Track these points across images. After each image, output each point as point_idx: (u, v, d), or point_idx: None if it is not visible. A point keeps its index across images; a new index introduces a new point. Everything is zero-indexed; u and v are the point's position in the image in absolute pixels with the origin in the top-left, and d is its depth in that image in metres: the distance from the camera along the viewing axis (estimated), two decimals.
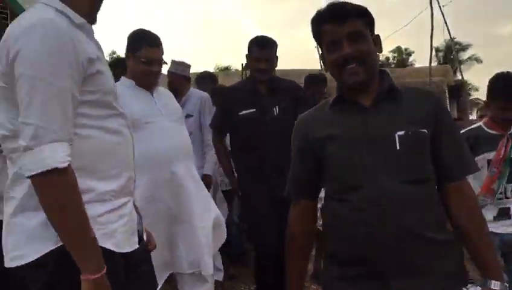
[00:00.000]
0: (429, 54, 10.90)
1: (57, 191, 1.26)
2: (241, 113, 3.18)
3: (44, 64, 1.26)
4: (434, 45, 10.08)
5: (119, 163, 1.45)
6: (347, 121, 1.54)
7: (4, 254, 1.39)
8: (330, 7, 1.54)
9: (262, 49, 3.17)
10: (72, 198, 1.28)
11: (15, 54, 1.28)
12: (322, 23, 1.54)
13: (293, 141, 1.69)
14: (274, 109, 3.17)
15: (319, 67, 15.93)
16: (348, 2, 1.55)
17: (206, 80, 5.13)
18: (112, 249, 1.39)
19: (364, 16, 1.55)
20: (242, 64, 9.25)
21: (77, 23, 1.40)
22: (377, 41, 1.57)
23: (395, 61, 34.40)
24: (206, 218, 2.68)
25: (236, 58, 78.45)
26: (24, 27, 1.30)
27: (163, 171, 2.56)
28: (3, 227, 1.41)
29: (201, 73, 5.44)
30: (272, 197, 3.03)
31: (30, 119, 1.25)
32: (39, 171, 1.24)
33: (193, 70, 4.75)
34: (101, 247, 1.35)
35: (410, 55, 34.08)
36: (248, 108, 3.18)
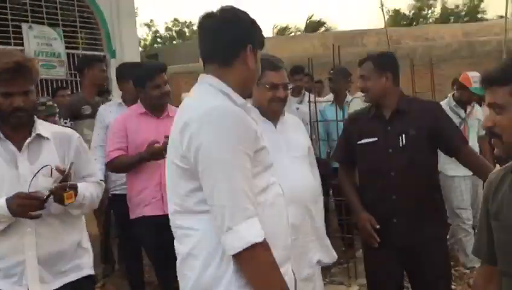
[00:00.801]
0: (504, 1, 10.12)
1: (260, 263, 1.40)
2: (360, 142, 2.73)
3: (228, 150, 1.40)
4: None
5: (278, 235, 1.51)
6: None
7: None
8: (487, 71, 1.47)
9: (359, 65, 2.82)
10: (273, 265, 1.42)
11: (199, 143, 1.42)
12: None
13: (483, 198, 1.63)
14: (400, 138, 2.63)
15: (383, 26, 15.19)
16: (503, 66, 1.42)
17: None
18: None
19: None
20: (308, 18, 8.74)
21: (239, 104, 1.55)
22: None
23: (465, 9, 32.33)
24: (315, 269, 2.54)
25: (296, 16, 76.33)
26: (203, 115, 1.45)
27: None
28: None
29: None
30: (394, 247, 2.61)
31: (224, 202, 1.39)
32: (242, 248, 1.38)
33: None
34: None
35: (482, 1, 31.80)
36: (369, 136, 2.70)
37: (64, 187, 1.91)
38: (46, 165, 1.92)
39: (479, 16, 30.85)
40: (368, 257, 2.80)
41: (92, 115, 4.11)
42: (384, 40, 13.27)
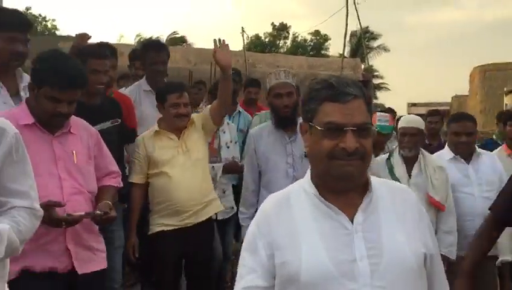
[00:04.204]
0: (343, 41, 12.02)
1: None
2: None
3: None
4: (349, 29, 11.06)
5: None
6: None
7: None
8: None
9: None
10: None
11: None
12: None
13: None
14: None
15: (240, 49, 16.39)
16: None
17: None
18: None
19: None
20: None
21: None
22: None
23: (312, 44, 35.90)
24: None
25: (165, 25, 75.46)
26: None
27: None
28: None
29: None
30: None
31: None
32: None
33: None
34: None
35: (327, 40, 35.74)
36: None
37: None
38: None
39: (323, 52, 34.58)
40: None
41: None
42: (241, 62, 14.47)
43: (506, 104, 18.68)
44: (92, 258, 2.39)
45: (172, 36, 30.43)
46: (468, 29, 73.53)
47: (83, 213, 2.25)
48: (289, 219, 1.32)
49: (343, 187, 1.33)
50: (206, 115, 3.30)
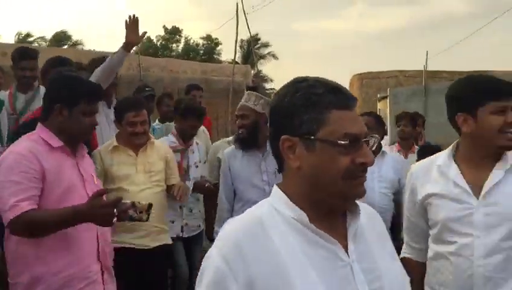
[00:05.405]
0: (233, 47, 12.66)
1: None
2: None
3: None
4: (241, 36, 11.68)
5: None
6: None
7: None
8: None
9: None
10: None
11: None
12: None
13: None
14: None
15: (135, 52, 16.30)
16: None
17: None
18: None
19: None
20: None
21: None
22: None
23: (203, 48, 36.40)
24: None
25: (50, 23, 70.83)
26: None
27: None
28: None
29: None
30: None
31: None
32: None
33: None
34: None
35: (218, 45, 36.46)
36: None
37: None
38: None
39: (215, 56, 35.24)
40: None
41: None
42: (134, 66, 14.44)
43: (379, 109, 20.56)
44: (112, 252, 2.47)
45: (57, 34, 29.14)
46: (349, 39, 79.25)
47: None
48: (270, 251, 1.07)
49: (346, 208, 1.14)
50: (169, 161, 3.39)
